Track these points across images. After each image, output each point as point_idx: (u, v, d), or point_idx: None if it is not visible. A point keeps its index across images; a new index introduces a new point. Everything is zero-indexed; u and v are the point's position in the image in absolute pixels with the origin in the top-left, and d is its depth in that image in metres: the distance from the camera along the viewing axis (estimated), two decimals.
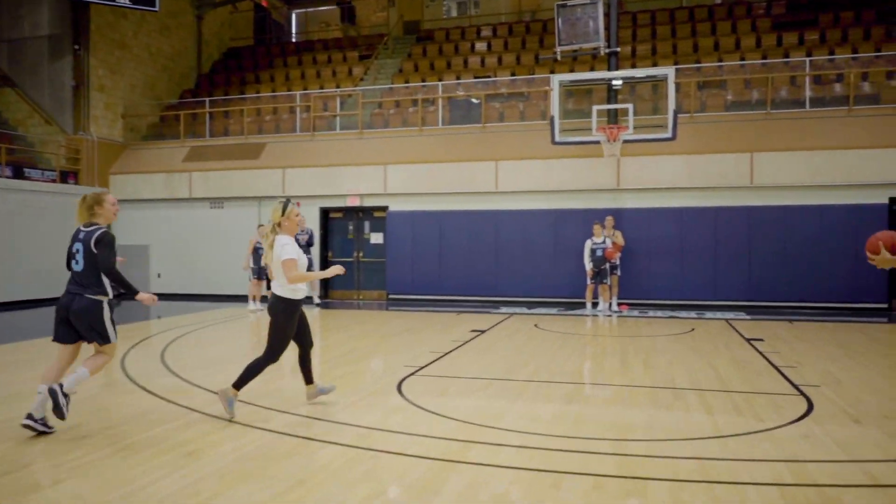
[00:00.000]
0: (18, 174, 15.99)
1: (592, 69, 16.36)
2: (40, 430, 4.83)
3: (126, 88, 19.21)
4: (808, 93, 14.51)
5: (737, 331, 10.74)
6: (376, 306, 15.43)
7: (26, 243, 15.39)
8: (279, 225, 5.42)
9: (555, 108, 11.71)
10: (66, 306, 4.95)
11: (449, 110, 16.80)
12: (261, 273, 13.72)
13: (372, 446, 4.71)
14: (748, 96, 15.21)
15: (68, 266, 5.03)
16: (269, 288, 15.37)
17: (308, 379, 5.90)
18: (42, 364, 5.84)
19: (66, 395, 4.81)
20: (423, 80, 18.09)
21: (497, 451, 4.63)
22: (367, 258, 16.66)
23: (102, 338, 4.99)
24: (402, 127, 16.85)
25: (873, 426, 5.20)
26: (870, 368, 7.60)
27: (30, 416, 4.83)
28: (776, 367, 7.58)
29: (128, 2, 17.59)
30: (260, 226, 13.76)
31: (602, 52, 11.35)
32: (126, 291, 5.07)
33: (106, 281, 4.98)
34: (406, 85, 18.19)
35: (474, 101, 16.45)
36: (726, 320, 12.19)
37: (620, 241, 13.51)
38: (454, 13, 25.56)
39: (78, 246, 4.97)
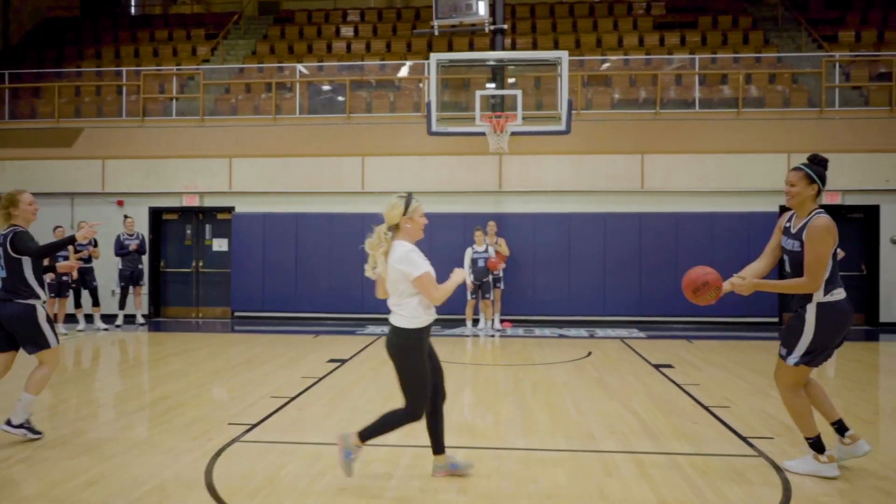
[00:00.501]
0: None
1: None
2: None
3: None
4: (696, 94, 13.66)
5: (638, 353, 9.36)
6: (218, 327, 12.88)
7: None
8: (396, 227, 4.13)
9: (432, 91, 9.88)
10: None
11: (308, 98, 14.57)
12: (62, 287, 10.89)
13: None
14: (635, 94, 14.17)
15: None
16: (78, 306, 12.89)
17: (437, 446, 4.19)
18: None
19: (20, 426, 4.80)
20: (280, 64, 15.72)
21: None
22: (209, 269, 14.05)
23: (39, 345, 4.87)
24: (252, 115, 14.40)
25: None
26: None
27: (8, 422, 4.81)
28: (708, 410, 6.09)
29: None
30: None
31: (487, 29, 9.67)
32: (66, 244, 5.13)
33: (35, 284, 4.90)
34: (259, 65, 15.72)
35: (339, 98, 14.32)
36: (621, 339, 10.86)
37: (505, 250, 11.90)
38: None
39: None
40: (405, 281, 4.05)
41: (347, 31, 18.29)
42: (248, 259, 13.40)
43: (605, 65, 15.01)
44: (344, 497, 3.95)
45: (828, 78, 13.28)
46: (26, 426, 4.85)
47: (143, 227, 13.42)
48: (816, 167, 4.16)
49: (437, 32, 9.90)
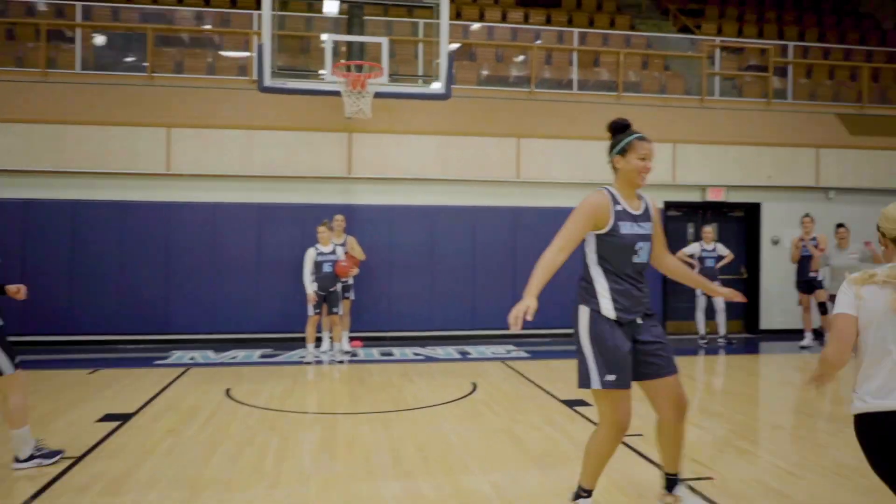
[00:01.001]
0: None
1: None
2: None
3: None
4: (574, 76, 12.03)
5: (533, 383, 7.34)
6: None
7: None
8: None
9: (266, 32, 7.18)
10: None
11: (93, 50, 11.13)
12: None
13: None
14: (505, 71, 12.30)
15: None
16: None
17: None
18: None
19: (30, 458, 4.41)
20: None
21: None
22: None
23: None
24: (14, 67, 10.71)
25: None
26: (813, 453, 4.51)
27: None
28: (691, 488, 4.09)
29: None
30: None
31: None
32: None
33: None
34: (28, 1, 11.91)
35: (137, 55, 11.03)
36: (502, 361, 8.84)
37: (358, 252, 9.45)
38: None
39: None
40: None
41: None
42: (5, 263, 9.77)
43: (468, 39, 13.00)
44: None
45: (707, 66, 12.23)
46: (37, 455, 4.42)
47: None
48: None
49: None
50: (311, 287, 8.72)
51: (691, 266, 10.54)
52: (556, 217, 11.71)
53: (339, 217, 9.44)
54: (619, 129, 3.51)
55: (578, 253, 3.48)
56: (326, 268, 8.76)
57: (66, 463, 4.50)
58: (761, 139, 11.55)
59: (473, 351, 9.64)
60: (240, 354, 9.20)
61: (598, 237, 3.37)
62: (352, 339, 9.71)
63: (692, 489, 3.84)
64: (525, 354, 9.41)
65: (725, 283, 10.40)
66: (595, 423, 3.61)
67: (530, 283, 3.17)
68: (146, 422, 5.71)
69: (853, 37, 15.63)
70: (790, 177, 11.55)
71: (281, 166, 10.36)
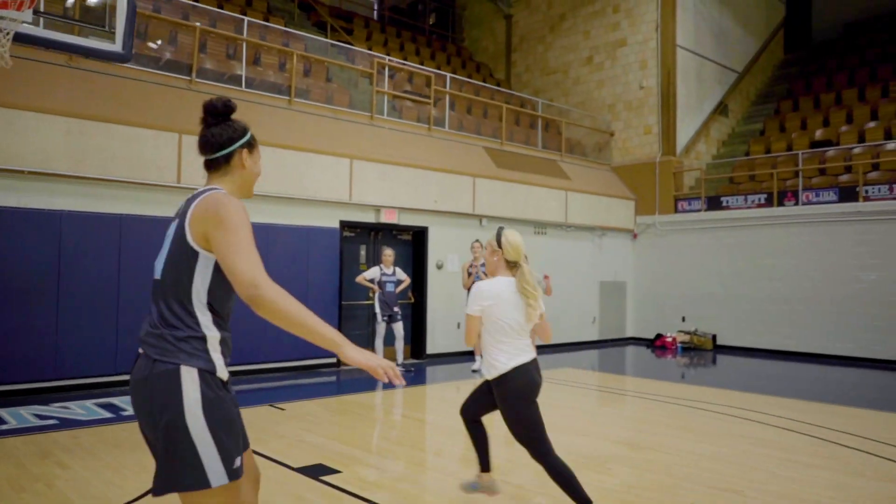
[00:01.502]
0: None
1: None
2: None
3: None
4: (243, 72, 10.38)
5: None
6: None
7: None
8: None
9: None
10: None
11: None
12: None
13: None
14: (148, 51, 9.96)
15: None
16: None
17: None
18: None
19: None
20: None
21: None
22: None
23: None
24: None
25: None
26: None
27: None
28: None
29: None
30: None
31: None
32: None
33: None
34: None
35: None
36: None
37: None
38: None
39: None
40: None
41: None
42: None
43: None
44: None
45: (377, 83, 11.84)
46: None
47: None
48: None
49: None
50: None
51: (372, 291, 9.87)
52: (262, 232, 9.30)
53: None
54: (229, 112, 2.39)
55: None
56: None
57: None
58: (428, 163, 11.56)
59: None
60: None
61: (217, 264, 2.21)
62: None
63: None
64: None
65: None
66: None
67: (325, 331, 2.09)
68: None
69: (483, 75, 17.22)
70: (453, 202, 11.78)
71: None
